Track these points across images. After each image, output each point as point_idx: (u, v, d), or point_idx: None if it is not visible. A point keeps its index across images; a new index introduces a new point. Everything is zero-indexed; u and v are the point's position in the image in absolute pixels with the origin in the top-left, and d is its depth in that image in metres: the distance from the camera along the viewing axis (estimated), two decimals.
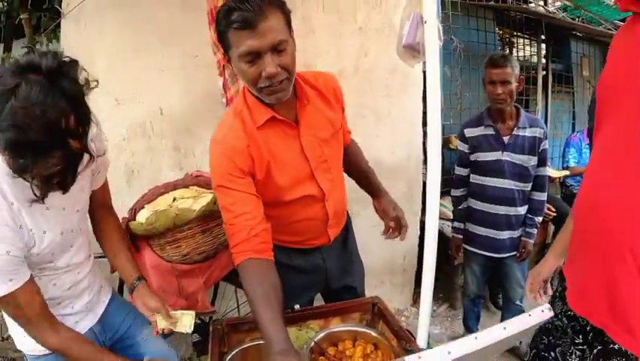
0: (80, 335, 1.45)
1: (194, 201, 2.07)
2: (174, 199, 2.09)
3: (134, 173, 2.67)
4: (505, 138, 2.46)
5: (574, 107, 5.59)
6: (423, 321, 1.69)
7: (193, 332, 2.39)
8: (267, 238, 1.42)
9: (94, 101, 2.46)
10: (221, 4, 1.30)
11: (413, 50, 1.70)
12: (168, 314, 1.60)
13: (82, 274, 1.53)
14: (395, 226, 1.87)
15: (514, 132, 2.45)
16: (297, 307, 1.66)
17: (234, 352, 1.49)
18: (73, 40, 2.52)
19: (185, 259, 2.14)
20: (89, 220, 1.65)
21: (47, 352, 1.44)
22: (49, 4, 2.75)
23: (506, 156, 2.46)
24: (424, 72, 3.18)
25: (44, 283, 1.39)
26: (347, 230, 1.89)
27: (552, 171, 3.84)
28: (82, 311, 1.55)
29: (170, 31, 2.53)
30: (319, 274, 1.80)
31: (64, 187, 1.20)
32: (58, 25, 2.58)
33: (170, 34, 2.54)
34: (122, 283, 2.35)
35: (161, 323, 1.59)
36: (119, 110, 2.57)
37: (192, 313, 1.65)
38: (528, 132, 2.45)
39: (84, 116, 1.14)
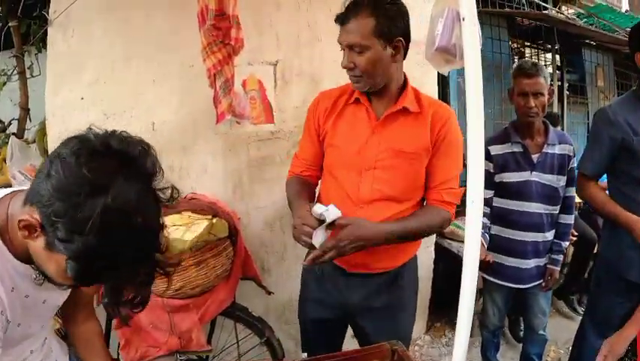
0: None
1: (187, 229, 1.86)
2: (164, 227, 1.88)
3: None
4: (534, 157, 2.24)
5: (588, 119, 5.33)
6: None
7: None
8: (315, 178, 1.75)
9: (82, 113, 2.33)
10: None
11: (447, 53, 1.47)
12: None
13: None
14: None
15: (543, 150, 2.23)
16: (304, 355, 1.49)
17: None
18: (61, 50, 2.30)
19: (177, 293, 1.94)
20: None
21: None
22: (40, 11, 2.56)
23: (535, 177, 2.23)
24: (442, 84, 3.05)
25: None
26: (393, 287, 1.70)
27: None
28: None
29: (164, 39, 2.32)
30: (334, 294, 1.73)
31: (138, 306, 1.01)
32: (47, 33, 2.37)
33: (165, 42, 2.32)
34: (109, 323, 2.12)
35: None
36: (108, 124, 2.28)
37: None
38: (558, 150, 2.25)
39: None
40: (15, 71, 2.72)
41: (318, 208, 1.42)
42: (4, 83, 2.76)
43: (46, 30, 2.33)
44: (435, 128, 1.53)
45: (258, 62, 2.43)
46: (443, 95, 3.15)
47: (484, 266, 2.12)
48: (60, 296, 1.15)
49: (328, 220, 1.40)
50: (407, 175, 1.56)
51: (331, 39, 2.49)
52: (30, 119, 2.76)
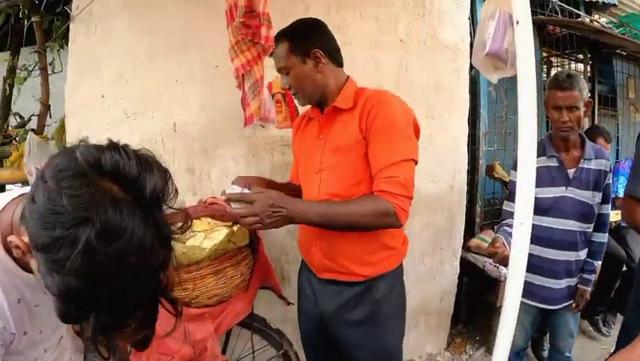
0: None
1: (206, 236, 1.78)
2: None
3: None
4: (570, 172, 2.13)
5: (617, 132, 5.15)
6: None
7: None
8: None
9: (102, 111, 2.28)
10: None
11: (498, 59, 1.37)
12: None
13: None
14: None
15: (579, 165, 2.12)
16: None
17: None
18: (82, 46, 2.27)
19: (193, 302, 1.85)
20: None
21: None
22: (63, 7, 2.53)
23: (570, 193, 2.12)
24: (472, 93, 2.96)
25: None
26: (366, 300, 1.66)
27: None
28: None
29: (188, 37, 2.26)
30: (311, 303, 1.79)
31: (142, 345, 0.90)
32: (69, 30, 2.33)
33: (189, 40, 2.26)
34: None
35: None
36: (128, 124, 2.30)
37: None
38: (594, 165, 2.12)
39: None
40: (37, 67, 2.70)
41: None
42: (25, 79, 2.73)
43: (68, 26, 2.30)
44: (363, 117, 1.52)
45: None
46: (473, 104, 3.05)
47: (503, 262, 2.01)
48: None
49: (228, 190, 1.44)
50: (346, 170, 1.56)
51: (361, 43, 2.44)
52: (50, 116, 2.74)
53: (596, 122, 4.69)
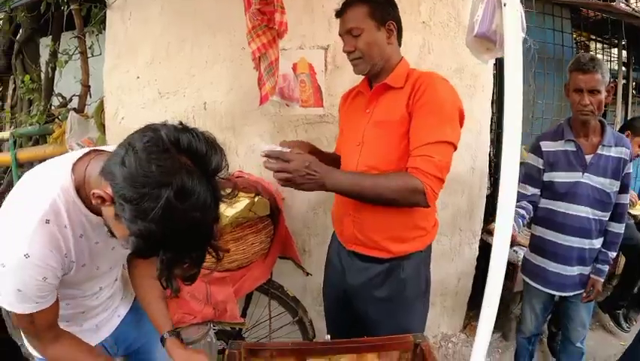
0: (84, 345, 1.29)
1: (228, 205, 1.90)
2: None
3: None
4: (588, 157, 2.10)
5: None
6: None
7: (218, 339, 2.26)
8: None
9: (138, 91, 2.43)
10: None
11: (488, 40, 1.41)
12: None
13: (100, 300, 1.41)
14: None
15: (598, 151, 2.09)
16: (327, 337, 1.49)
17: None
18: (118, 31, 2.43)
19: (215, 265, 1.98)
20: None
21: None
22: None
23: (586, 179, 2.10)
24: (495, 74, 2.95)
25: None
26: (392, 278, 1.69)
27: (635, 207, 3.35)
28: (91, 330, 1.43)
29: (217, 22, 2.39)
30: (338, 275, 1.82)
31: (190, 282, 1.12)
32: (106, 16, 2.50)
33: (218, 25, 2.39)
34: None
35: None
36: (162, 103, 2.46)
37: None
38: (613, 152, 2.09)
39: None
40: (77, 51, 2.87)
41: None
42: (66, 62, 2.90)
43: (105, 13, 2.46)
44: (411, 95, 1.52)
45: (309, 46, 2.44)
46: (500, 86, 3.04)
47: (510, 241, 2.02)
48: None
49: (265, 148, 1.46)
50: (387, 145, 1.57)
51: None
52: (90, 96, 2.92)
53: (629, 109, 4.54)
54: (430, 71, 1.64)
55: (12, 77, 3.45)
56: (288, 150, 1.43)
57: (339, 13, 1.64)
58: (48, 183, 1.08)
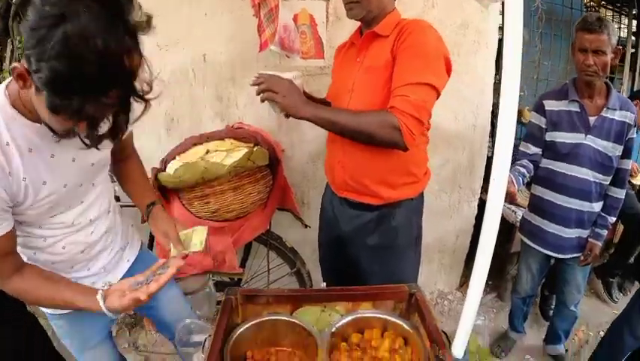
0: (52, 275, 1.23)
1: (227, 155, 1.91)
2: (207, 152, 1.94)
3: (174, 122, 2.53)
4: (592, 119, 2.07)
5: None
6: (464, 326, 1.35)
7: (217, 290, 2.31)
8: None
9: None
10: None
11: None
12: (176, 240, 1.41)
13: (96, 235, 1.37)
14: None
15: (602, 113, 2.05)
16: (323, 285, 1.50)
17: (248, 325, 1.34)
18: None
19: (214, 215, 2.01)
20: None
21: (63, 312, 1.38)
22: None
23: (589, 141, 2.07)
24: (501, 27, 2.88)
25: (50, 244, 1.26)
26: (383, 226, 1.73)
27: (636, 177, 3.32)
28: (99, 273, 1.43)
29: None
30: (331, 223, 1.87)
31: (116, 135, 1.04)
32: None
33: None
34: (152, 238, 2.26)
35: (173, 252, 1.40)
36: (161, 55, 2.41)
37: (205, 228, 1.45)
38: (618, 115, 2.05)
39: (141, 58, 0.95)
40: None
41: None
42: None
43: None
44: (396, 41, 1.51)
45: None
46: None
47: (510, 199, 2.01)
48: (91, 154, 1.20)
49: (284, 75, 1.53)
50: (374, 91, 1.57)
51: None
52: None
53: (637, 79, 4.46)
54: (417, 20, 1.59)
55: (9, 39, 3.40)
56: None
57: None
58: None
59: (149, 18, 0.93)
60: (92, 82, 0.85)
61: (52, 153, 1.13)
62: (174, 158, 1.98)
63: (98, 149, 1.06)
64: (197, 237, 1.42)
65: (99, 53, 0.83)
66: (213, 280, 2.30)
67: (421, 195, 1.79)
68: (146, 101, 1.01)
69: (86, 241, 1.34)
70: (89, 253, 1.37)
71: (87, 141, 0.99)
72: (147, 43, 2.41)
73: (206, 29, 2.40)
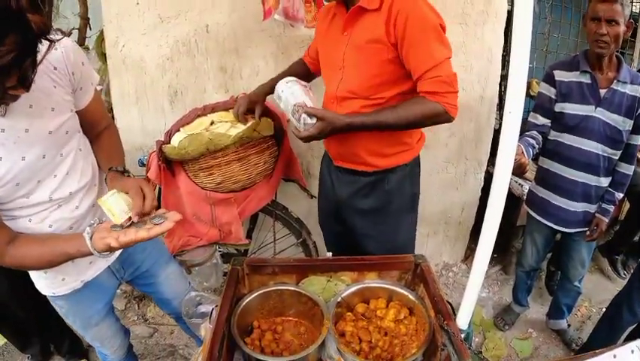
0: (46, 237, 1.22)
1: (232, 125, 1.90)
2: (212, 123, 1.93)
3: (178, 94, 2.50)
4: (602, 92, 2.02)
5: None
6: (469, 297, 1.36)
7: (224, 262, 2.32)
8: (313, 68, 1.97)
9: (138, 17, 2.36)
10: None
11: None
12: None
13: (82, 209, 1.32)
14: None
15: (612, 86, 2.00)
16: (329, 254, 1.51)
17: (254, 295, 1.36)
18: None
19: (219, 187, 2.02)
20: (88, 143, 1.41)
21: (62, 293, 1.39)
22: None
23: (599, 113, 2.02)
24: (514, 6, 2.82)
25: (36, 223, 1.23)
26: (377, 190, 1.76)
27: None
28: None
29: None
30: (329, 189, 1.90)
31: (25, 82, 0.94)
32: None
33: None
34: None
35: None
36: (163, 27, 2.37)
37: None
38: (629, 89, 2.00)
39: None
40: None
41: (279, 86, 1.58)
42: None
43: None
44: (390, 20, 1.47)
45: None
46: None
47: (520, 171, 2.00)
48: (47, 122, 1.17)
49: (282, 105, 1.56)
50: (367, 70, 1.56)
51: None
52: (90, 28, 2.85)
53: None
54: None
55: None
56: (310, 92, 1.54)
57: None
58: None
59: None
60: None
61: (2, 127, 1.08)
62: (178, 130, 1.97)
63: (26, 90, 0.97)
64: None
65: None
66: (220, 251, 2.32)
67: (416, 160, 1.81)
68: (51, 41, 0.95)
69: (72, 217, 1.30)
70: (78, 228, 1.32)
71: None
72: (149, 15, 2.40)
73: (208, 0, 2.36)
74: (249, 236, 2.36)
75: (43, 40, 0.92)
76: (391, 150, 1.69)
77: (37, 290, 1.43)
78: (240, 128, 1.86)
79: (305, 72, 1.95)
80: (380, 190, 1.74)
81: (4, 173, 1.10)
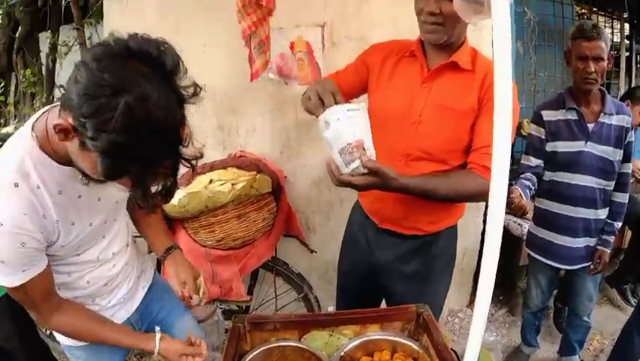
0: (89, 312, 1.31)
1: (230, 183, 1.93)
2: (210, 181, 1.96)
3: None
4: (590, 126, 2.08)
5: None
6: (473, 342, 1.33)
7: (225, 318, 2.30)
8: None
9: None
10: None
11: (475, 2, 1.39)
12: (194, 289, 1.44)
13: (117, 268, 1.39)
14: None
15: (599, 119, 2.06)
16: (330, 309, 1.49)
17: (256, 352, 1.33)
18: (116, 21, 2.44)
19: (219, 244, 2.03)
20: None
21: (81, 344, 1.38)
22: None
23: (590, 148, 2.07)
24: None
25: (75, 279, 1.28)
26: (423, 254, 1.66)
27: None
28: (119, 304, 1.44)
29: (212, 6, 2.37)
30: (362, 251, 1.74)
31: (168, 198, 1.08)
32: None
33: (213, 9, 2.38)
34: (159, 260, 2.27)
35: (195, 299, 1.44)
36: None
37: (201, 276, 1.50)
38: (615, 120, 2.06)
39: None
40: (76, 43, 2.89)
41: (334, 112, 1.26)
42: (66, 53, 2.93)
43: (102, 3, 2.48)
44: (483, 88, 1.43)
45: (305, 24, 2.42)
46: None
47: (521, 213, 1.99)
48: (116, 193, 1.25)
49: (327, 134, 1.26)
50: (450, 134, 1.47)
51: (380, 1, 2.47)
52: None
53: (633, 82, 4.48)
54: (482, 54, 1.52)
55: (14, 73, 3.49)
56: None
57: None
58: (10, 150, 1.06)
59: (197, 87, 0.98)
60: (149, 155, 0.88)
61: (80, 194, 1.15)
62: (179, 188, 2.00)
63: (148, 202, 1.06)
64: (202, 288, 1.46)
65: (160, 129, 0.86)
66: (221, 308, 2.30)
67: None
68: (193, 167, 1.05)
69: (108, 275, 1.36)
70: (111, 285, 1.39)
71: (137, 197, 1.02)
72: None
73: (205, 61, 2.45)
74: (250, 292, 2.34)
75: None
76: (445, 214, 1.63)
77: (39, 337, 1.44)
78: (238, 186, 1.90)
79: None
80: (426, 253, 1.65)
81: (74, 237, 1.16)
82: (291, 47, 2.38)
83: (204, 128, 2.52)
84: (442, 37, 1.42)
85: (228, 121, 2.51)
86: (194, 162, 1.04)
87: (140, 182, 0.94)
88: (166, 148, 0.91)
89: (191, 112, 2.53)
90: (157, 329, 1.30)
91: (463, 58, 1.45)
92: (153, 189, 1.02)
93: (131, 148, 0.84)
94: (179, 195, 1.95)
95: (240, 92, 2.47)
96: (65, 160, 1.04)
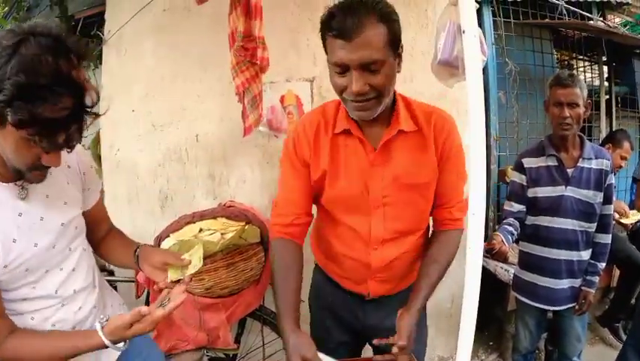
0: (46, 333, 1.24)
1: (220, 233, 1.97)
2: (200, 230, 2.00)
3: (168, 199, 2.62)
4: (569, 171, 2.17)
5: (638, 134, 4.94)
6: None
7: None
8: (305, 230, 1.51)
9: (133, 124, 2.52)
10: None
11: (451, 66, 1.49)
12: (177, 258, 1.41)
13: (85, 310, 1.34)
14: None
15: (579, 164, 2.16)
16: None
17: None
18: (114, 66, 2.54)
19: (208, 292, 2.04)
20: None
21: None
22: (96, 30, 2.81)
23: (570, 192, 2.16)
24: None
25: (39, 322, 1.24)
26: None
27: (628, 217, 3.36)
28: (93, 354, 1.34)
29: (207, 57, 2.49)
30: (346, 322, 1.66)
31: (70, 142, 1.11)
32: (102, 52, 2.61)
33: (208, 60, 2.50)
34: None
35: (172, 275, 1.40)
36: (156, 135, 2.55)
37: (200, 244, 1.46)
38: (594, 164, 2.16)
39: (88, 79, 1.10)
40: None
41: None
42: None
43: (101, 48, 2.58)
44: (438, 144, 1.36)
45: (295, 79, 2.55)
46: (484, 109, 3.13)
47: (501, 257, 2.02)
48: (59, 214, 1.26)
49: None
50: (418, 206, 1.43)
51: None
52: (87, 129, 3.00)
53: (614, 124, 4.60)
54: (426, 103, 1.44)
55: None
56: None
57: (346, 33, 1.13)
58: None
59: (89, 44, 1.10)
60: (48, 88, 0.97)
61: (20, 211, 1.17)
62: (168, 235, 2.04)
63: (69, 149, 1.14)
64: (196, 257, 1.42)
65: (50, 65, 0.97)
66: (208, 355, 2.29)
67: None
68: (96, 114, 1.15)
69: (75, 319, 1.32)
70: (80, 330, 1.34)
71: (45, 146, 1.06)
72: (143, 122, 2.57)
73: (198, 110, 2.55)
74: (237, 341, 2.34)
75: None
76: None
77: None
78: (227, 236, 1.93)
79: (300, 258, 1.50)
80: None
81: (15, 256, 1.15)
82: (282, 100, 2.48)
83: (195, 176, 2.58)
84: (376, 111, 1.27)
85: (219, 171, 2.58)
86: (95, 109, 1.13)
87: (42, 118, 0.98)
88: (60, 85, 0.99)
89: (184, 161, 2.61)
90: (96, 323, 1.22)
91: (406, 121, 1.33)
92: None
93: (29, 86, 0.95)
94: (169, 242, 1.98)
95: (231, 142, 2.55)
96: (4, 176, 1.13)
